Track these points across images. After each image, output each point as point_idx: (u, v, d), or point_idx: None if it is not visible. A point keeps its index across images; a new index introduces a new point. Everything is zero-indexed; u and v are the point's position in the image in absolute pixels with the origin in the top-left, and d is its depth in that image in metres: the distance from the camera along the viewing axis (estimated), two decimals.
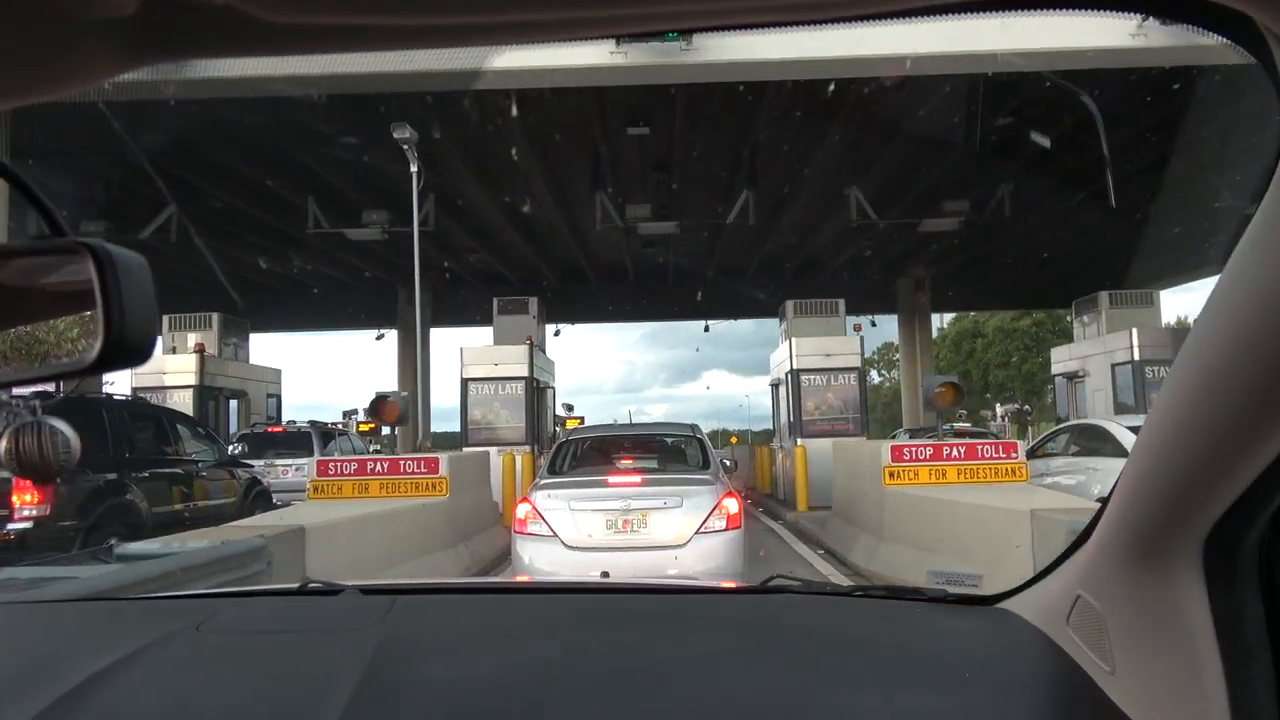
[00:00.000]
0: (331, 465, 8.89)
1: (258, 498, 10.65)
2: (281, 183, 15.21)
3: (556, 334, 25.79)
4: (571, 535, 6.39)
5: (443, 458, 8.92)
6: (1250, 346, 0.66)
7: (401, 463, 8.91)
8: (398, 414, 9.10)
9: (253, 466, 11.33)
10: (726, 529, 6.34)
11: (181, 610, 1.58)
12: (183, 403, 14.54)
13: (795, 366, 14.54)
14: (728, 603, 1.66)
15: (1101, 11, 0.53)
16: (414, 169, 12.42)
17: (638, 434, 8.84)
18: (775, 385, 16.56)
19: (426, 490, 8.85)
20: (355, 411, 22.06)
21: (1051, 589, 1.23)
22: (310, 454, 13.34)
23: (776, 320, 16.43)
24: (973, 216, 16.25)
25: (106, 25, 0.44)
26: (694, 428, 8.25)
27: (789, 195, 16.47)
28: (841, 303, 15.65)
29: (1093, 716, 1.02)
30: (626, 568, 6.07)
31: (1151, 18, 0.55)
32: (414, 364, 24.30)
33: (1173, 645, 0.89)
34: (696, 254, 22.25)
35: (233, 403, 16.78)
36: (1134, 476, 0.92)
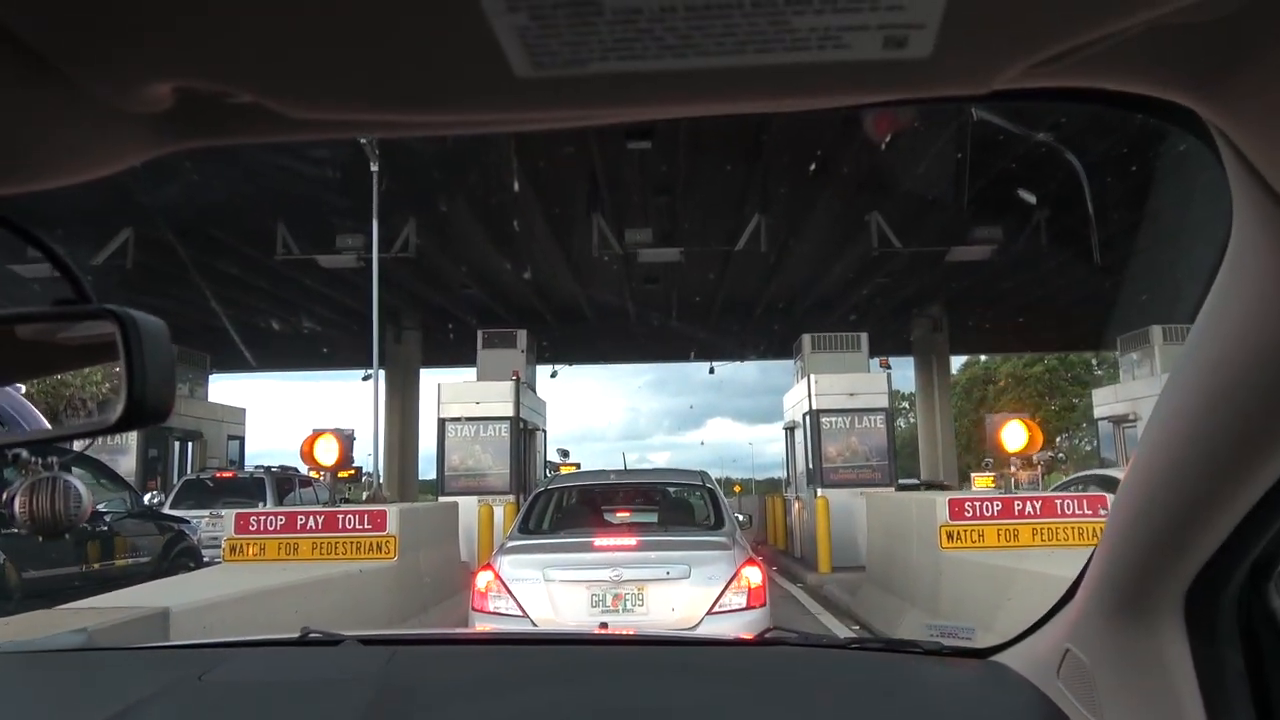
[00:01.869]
0: (253, 520, 7.05)
1: (181, 555, 8.81)
2: (249, 204, 13.64)
3: (553, 375, 24.11)
4: (545, 614, 4.75)
5: (392, 511, 7.08)
6: (1219, 404, 0.68)
7: (340, 518, 7.07)
8: (340, 456, 7.28)
9: (181, 519, 9.49)
10: (748, 607, 4.78)
11: (183, 660, 1.58)
12: (124, 444, 12.74)
13: (815, 407, 12.71)
14: (725, 655, 1.64)
15: (1058, 103, 0.54)
16: (374, 168, 10.76)
17: (634, 482, 7.28)
18: (790, 429, 14.71)
19: (370, 552, 6.99)
20: None
21: (1042, 642, 1.23)
22: (263, 503, 11.52)
23: (785, 362, 14.87)
24: (1006, 244, 14.59)
25: (138, 116, 0.45)
26: (703, 475, 6.74)
27: (804, 220, 14.79)
28: (864, 337, 13.89)
29: None
30: None
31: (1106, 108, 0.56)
32: (401, 406, 22.59)
33: (1158, 697, 0.90)
34: (701, 291, 20.61)
35: (188, 445, 14.95)
36: (1116, 532, 0.93)
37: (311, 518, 7.05)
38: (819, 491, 12.25)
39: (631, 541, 5.18)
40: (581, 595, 4.84)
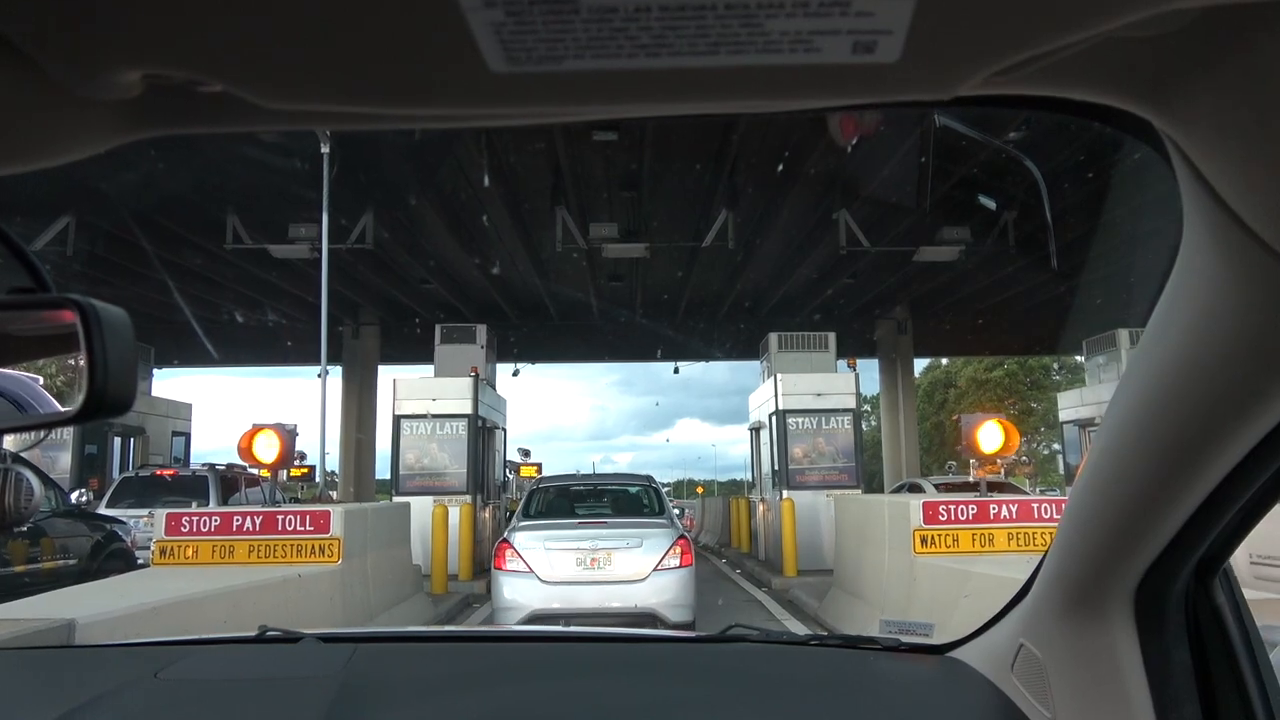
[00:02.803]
0: (185, 521, 6.55)
1: (112, 558, 8.25)
2: (197, 190, 13.02)
3: (515, 374, 23.66)
4: (546, 571, 6.94)
5: (336, 512, 6.62)
6: (1163, 411, 0.70)
7: (280, 519, 6.59)
8: (281, 452, 6.80)
9: (114, 519, 8.91)
10: (680, 566, 7.05)
11: (139, 658, 1.54)
12: (60, 440, 12.06)
13: (781, 407, 12.40)
14: (687, 651, 1.66)
15: (1019, 110, 0.55)
16: (324, 149, 10.26)
17: (601, 483, 9.55)
18: (755, 430, 14.41)
19: (313, 555, 6.53)
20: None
21: (997, 638, 1.23)
22: (206, 502, 10.96)
23: (751, 362, 14.58)
24: (973, 246, 14.42)
25: (108, 104, 0.45)
26: (649, 478, 9.06)
27: (772, 218, 14.50)
28: (832, 337, 13.61)
29: None
30: (594, 598, 6.86)
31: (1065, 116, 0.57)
32: (358, 404, 21.96)
33: (1108, 690, 0.92)
34: (666, 289, 20.29)
35: (130, 441, 14.25)
36: (1069, 530, 0.94)
37: (249, 519, 6.56)
38: (784, 493, 11.94)
39: (604, 522, 7.56)
40: (570, 558, 6.96)
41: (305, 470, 19.55)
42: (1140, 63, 0.48)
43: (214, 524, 6.54)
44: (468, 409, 12.26)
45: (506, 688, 1.33)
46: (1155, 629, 0.89)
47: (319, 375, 25.74)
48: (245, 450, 6.77)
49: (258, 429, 6.82)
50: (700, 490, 61.51)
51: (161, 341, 17.60)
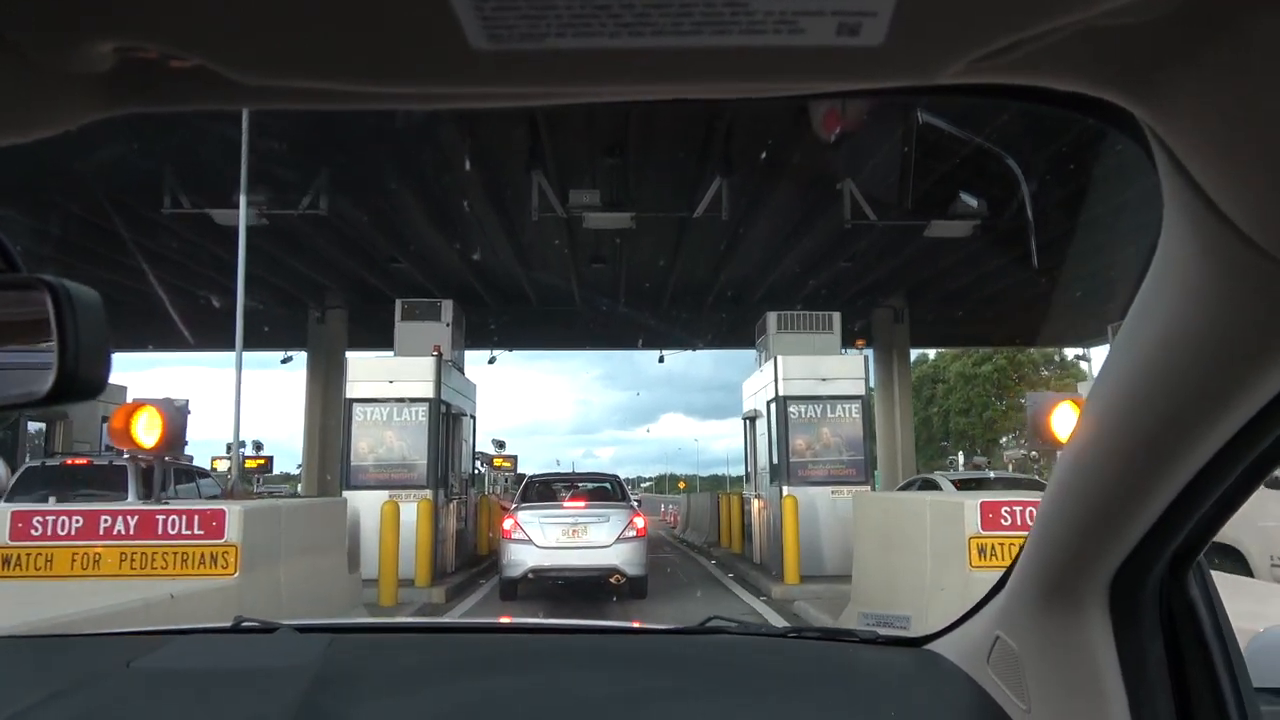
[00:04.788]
0: (36, 521, 4.99)
1: None
2: (129, 145, 11.39)
3: (491, 361, 22.16)
4: (541, 540, 9.13)
5: (232, 512, 5.08)
6: (1140, 403, 0.69)
7: (159, 520, 5.04)
8: (165, 434, 5.24)
9: None
10: (637, 536, 9.32)
11: (111, 648, 1.50)
12: None
13: (782, 393, 10.91)
14: (665, 643, 1.64)
15: (998, 99, 0.55)
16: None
17: (579, 477, 12.21)
18: (750, 419, 12.93)
19: (201, 566, 4.99)
20: (242, 444, 17.88)
21: (974, 630, 1.23)
22: (124, 496, 9.35)
23: (739, 353, 13.35)
24: (991, 220, 13.02)
25: (79, 77, 0.44)
26: (614, 476, 11.68)
27: (771, 187, 13.01)
28: (836, 316, 12.16)
29: None
30: (575, 558, 9.06)
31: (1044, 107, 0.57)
32: (324, 391, 20.30)
33: (1082, 682, 0.91)
34: (651, 274, 18.82)
35: (56, 426, 12.56)
36: (1045, 522, 0.93)
37: (120, 520, 5.01)
38: (785, 489, 10.47)
39: (581, 505, 9.80)
40: (558, 529, 9.14)
41: (262, 461, 17.99)
42: (1121, 51, 0.47)
43: (75, 525, 5.00)
44: (429, 392, 10.71)
45: (484, 678, 1.31)
46: (1130, 621, 0.88)
47: (284, 361, 24.02)
48: (120, 432, 5.22)
49: (137, 405, 5.25)
50: (683, 486, 60.11)
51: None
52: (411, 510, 9.48)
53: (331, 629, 1.55)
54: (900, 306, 21.24)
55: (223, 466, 18.01)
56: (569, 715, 1.18)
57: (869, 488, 10.58)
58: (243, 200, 9.43)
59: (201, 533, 4.99)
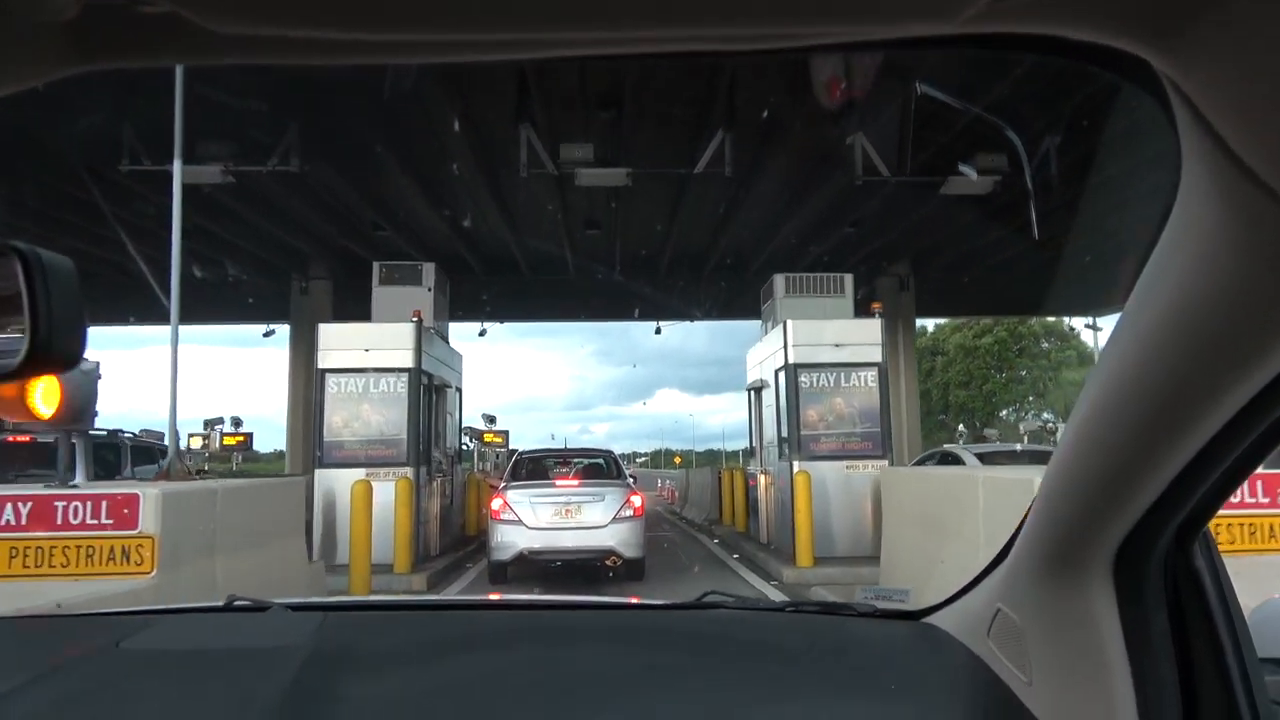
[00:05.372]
0: None
1: None
2: (81, 97, 10.35)
3: (482, 333, 21.26)
4: (531, 520, 8.55)
5: (148, 496, 4.15)
6: (1151, 369, 0.67)
7: (60, 507, 4.12)
8: (64, 402, 4.29)
9: None
10: (634, 516, 8.75)
11: (101, 627, 1.49)
12: None
13: (792, 360, 9.99)
14: (661, 618, 1.61)
15: (1010, 51, 0.54)
16: None
17: (572, 453, 11.48)
18: (756, 389, 12.01)
19: (111, 563, 4.08)
20: (220, 420, 16.99)
21: (974, 603, 1.22)
22: (71, 476, 8.40)
23: (734, 325, 12.46)
24: (1013, 177, 12.07)
25: (44, 28, 0.42)
26: (609, 451, 11.05)
27: (778, 141, 12.02)
28: (849, 279, 11.22)
29: None
30: (568, 540, 8.50)
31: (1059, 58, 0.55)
32: (307, 365, 19.32)
33: (1085, 656, 0.90)
34: (647, 241, 17.86)
35: None
36: (1049, 494, 0.92)
37: (10, 507, 4.08)
38: (796, 465, 9.57)
39: (575, 483, 9.21)
40: (550, 509, 8.60)
41: (241, 438, 17.10)
42: None
43: None
44: (409, 361, 9.76)
45: (478, 655, 1.28)
46: (1134, 593, 0.87)
47: (266, 334, 22.94)
48: (11, 400, 4.25)
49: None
50: (678, 461, 59.52)
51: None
52: (390, 490, 8.56)
53: (324, 607, 1.53)
54: (905, 274, 20.33)
55: (205, 447, 17.10)
56: (564, 691, 1.15)
57: (885, 462, 9.69)
58: (177, 144, 8.38)
59: (110, 522, 4.08)
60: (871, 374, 9.95)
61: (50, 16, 0.39)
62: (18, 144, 10.82)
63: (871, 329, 10.15)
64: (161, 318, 19.34)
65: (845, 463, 9.65)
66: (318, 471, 9.37)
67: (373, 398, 9.69)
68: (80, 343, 0.55)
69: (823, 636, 1.42)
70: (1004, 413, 42.65)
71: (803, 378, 9.92)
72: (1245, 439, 0.69)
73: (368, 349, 9.71)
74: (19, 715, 1.04)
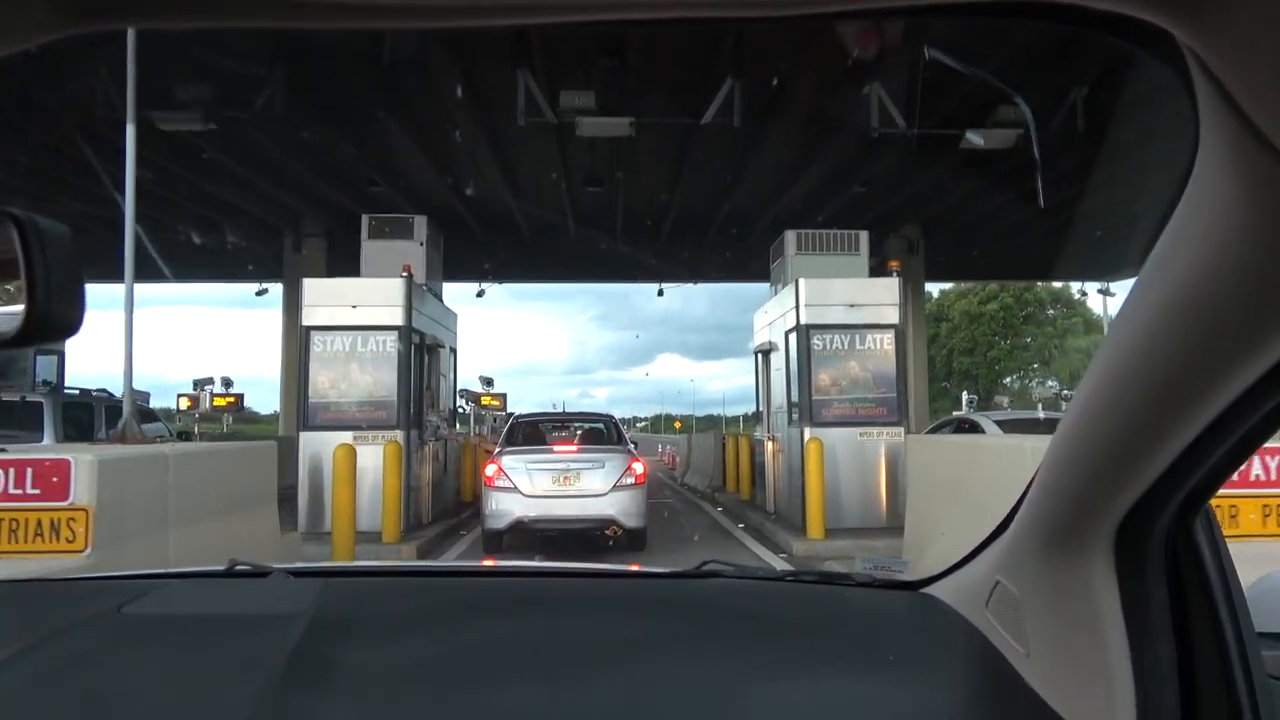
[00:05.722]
0: None
1: None
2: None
3: (480, 294, 20.69)
4: (527, 487, 8.10)
5: (81, 463, 3.60)
6: (1157, 344, 0.67)
7: None
8: None
9: None
10: (635, 484, 8.30)
11: (102, 591, 1.48)
12: None
13: (804, 321, 9.41)
14: (661, 587, 1.61)
15: (1029, 20, 0.53)
16: None
17: (570, 417, 11.43)
18: (764, 352, 11.44)
19: (38, 540, 3.55)
20: (210, 381, 16.41)
21: (973, 574, 1.22)
22: (40, 437, 7.91)
23: (738, 288, 11.96)
24: (1029, 135, 11.41)
25: None
26: (609, 415, 10.71)
27: (789, 91, 11.33)
28: (864, 235, 10.61)
29: (1007, 697, 1.02)
30: (566, 509, 8.06)
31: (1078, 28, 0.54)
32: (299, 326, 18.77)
33: (1083, 628, 0.90)
34: (651, 198, 17.18)
35: None
36: (1051, 466, 0.92)
37: None
38: (807, 431, 9.04)
39: (573, 449, 9.00)
40: (547, 476, 8.20)
41: (232, 400, 16.56)
42: None
43: None
44: (398, 318, 9.19)
45: (479, 622, 1.27)
46: (1134, 568, 0.86)
47: (259, 293, 22.42)
48: None
49: None
50: (678, 426, 59.11)
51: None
52: (373, 455, 8.04)
53: (326, 573, 1.54)
54: (915, 237, 19.68)
55: (194, 408, 16.58)
56: (564, 658, 1.15)
57: (901, 430, 9.16)
58: (130, 93, 7.73)
59: (37, 492, 3.53)
60: (888, 336, 9.38)
61: None
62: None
63: (889, 288, 9.56)
64: (150, 276, 18.82)
65: (859, 429, 9.12)
66: (303, 434, 8.86)
67: (361, 357, 9.13)
68: (79, 309, 0.54)
69: (821, 606, 1.43)
70: (1008, 380, 42.15)
71: (815, 339, 9.35)
72: (1252, 416, 0.67)
73: (355, 305, 9.14)
74: (21, 680, 1.05)
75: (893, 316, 9.43)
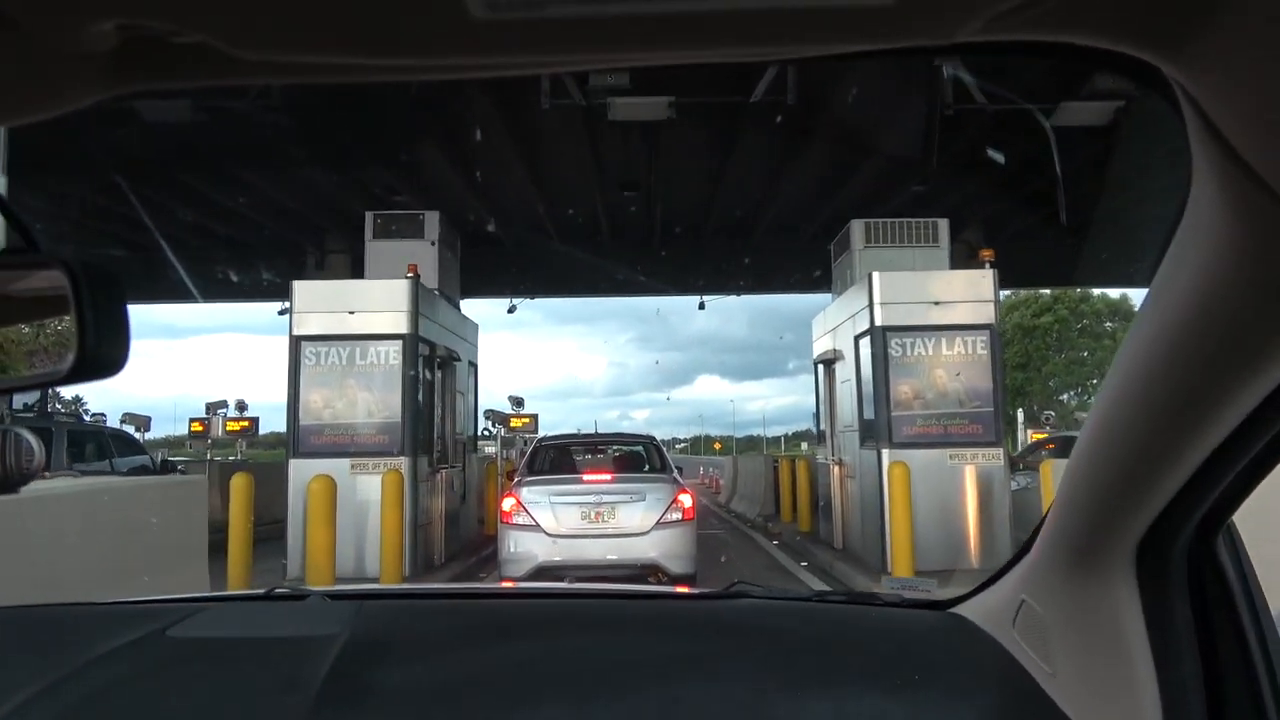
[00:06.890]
0: None
1: None
2: None
3: (511, 310, 19.34)
4: (551, 525, 6.83)
5: None
6: (1171, 361, 0.67)
7: None
8: None
9: None
10: (683, 519, 6.95)
11: (148, 615, 1.46)
12: None
13: (879, 322, 7.89)
14: (691, 608, 1.62)
15: (1027, 58, 0.72)
16: None
17: (604, 439, 9.71)
18: (826, 362, 9.91)
19: None
20: (224, 405, 15.34)
21: (999, 594, 1.22)
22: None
23: (774, 300, 10.47)
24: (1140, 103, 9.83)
25: (83, 56, 0.43)
26: (650, 437, 9.23)
27: (846, 66, 9.89)
28: (944, 224, 9.15)
29: (1034, 717, 1.01)
30: (598, 551, 6.78)
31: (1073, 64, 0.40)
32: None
33: (1109, 647, 0.89)
34: (691, 202, 15.81)
35: None
36: (1072, 485, 0.91)
37: None
38: (886, 454, 7.49)
39: (607, 478, 7.46)
40: (575, 512, 6.91)
41: (245, 424, 15.46)
42: (1147, 4, 0.45)
43: None
44: (402, 326, 7.84)
45: (510, 644, 1.29)
46: (1157, 585, 0.85)
47: (281, 313, 21.39)
48: None
49: None
50: (718, 447, 57.40)
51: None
52: (370, 485, 6.67)
53: (361, 595, 1.55)
54: (977, 243, 18.07)
55: (206, 433, 15.47)
56: (596, 679, 1.16)
57: (999, 451, 7.58)
58: None
59: None
60: (982, 339, 7.83)
61: (90, 47, 0.40)
62: None
63: (982, 282, 8.03)
64: (180, 297, 17.73)
65: (949, 451, 7.56)
66: (292, 462, 7.52)
67: (359, 371, 7.79)
68: (125, 350, 0.56)
69: (850, 626, 1.42)
70: (1064, 396, 39.99)
71: (893, 344, 7.82)
72: (1264, 435, 0.68)
73: (353, 311, 7.80)
74: (71, 700, 1.05)
75: (987, 315, 7.89)
